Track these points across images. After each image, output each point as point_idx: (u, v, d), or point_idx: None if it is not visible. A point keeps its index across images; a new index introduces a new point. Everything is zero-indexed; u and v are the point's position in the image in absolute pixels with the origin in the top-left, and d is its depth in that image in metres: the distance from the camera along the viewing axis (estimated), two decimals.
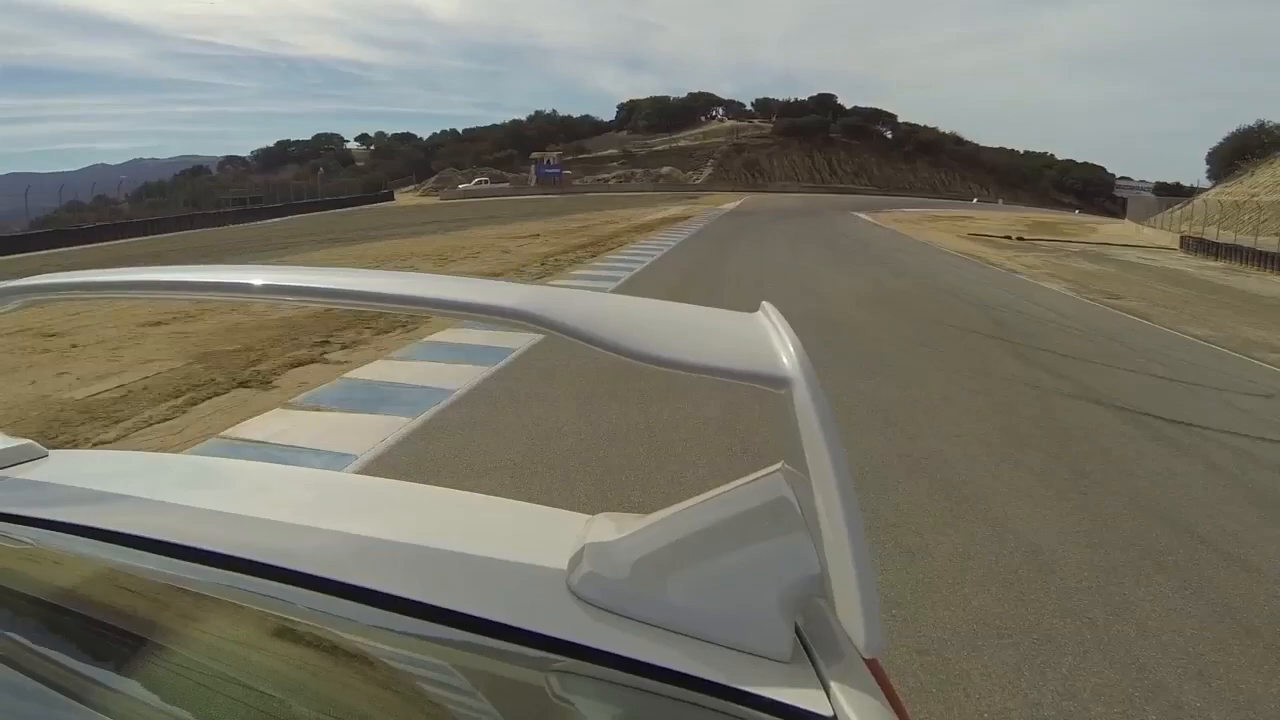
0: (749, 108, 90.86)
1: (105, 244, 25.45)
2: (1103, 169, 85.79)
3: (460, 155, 78.75)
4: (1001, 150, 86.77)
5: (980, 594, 2.97)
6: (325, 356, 6.77)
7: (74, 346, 7.25)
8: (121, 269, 0.72)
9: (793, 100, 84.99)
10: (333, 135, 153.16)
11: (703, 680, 0.53)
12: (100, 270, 0.72)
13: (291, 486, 0.93)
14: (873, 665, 0.60)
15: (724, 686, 0.52)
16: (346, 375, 6.16)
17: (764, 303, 0.64)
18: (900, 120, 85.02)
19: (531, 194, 54.01)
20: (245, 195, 45.19)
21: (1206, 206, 26.68)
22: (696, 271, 13.58)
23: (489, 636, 0.58)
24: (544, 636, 0.57)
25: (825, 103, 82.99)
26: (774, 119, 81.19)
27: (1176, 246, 25.03)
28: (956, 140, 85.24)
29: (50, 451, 0.93)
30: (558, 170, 63.24)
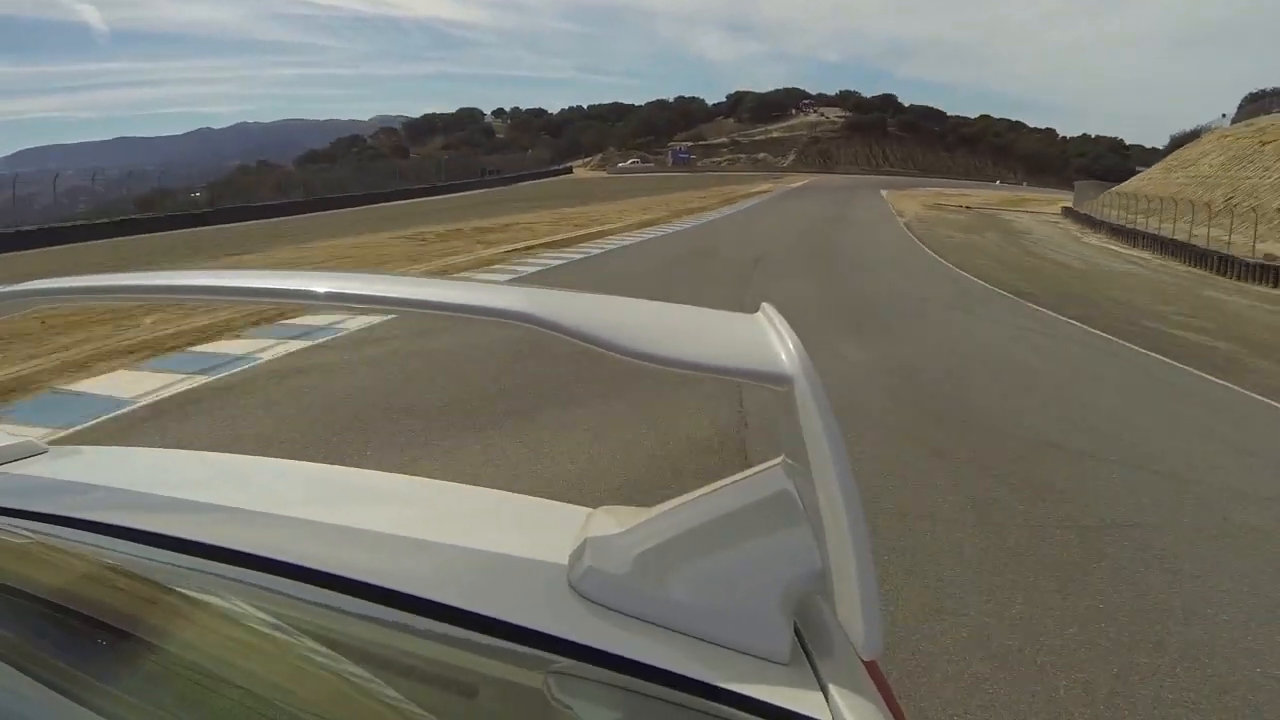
0: (833, 95, 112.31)
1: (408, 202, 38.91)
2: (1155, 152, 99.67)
3: (601, 135, 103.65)
4: (1038, 139, 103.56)
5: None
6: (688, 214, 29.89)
7: (619, 214, 30.69)
8: (124, 274, 0.73)
9: (869, 97, 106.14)
10: (474, 110, 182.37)
11: (701, 682, 0.53)
12: (106, 275, 0.73)
13: (291, 480, 0.95)
14: (871, 668, 0.61)
15: (722, 689, 0.53)
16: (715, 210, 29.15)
17: (763, 303, 0.65)
18: (995, 102, 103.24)
19: (668, 173, 77.03)
20: (483, 167, 68.74)
21: (1113, 194, 40.28)
22: (769, 208, 34.95)
23: (489, 633, 0.58)
24: (545, 635, 0.57)
25: (888, 101, 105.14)
26: (848, 114, 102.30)
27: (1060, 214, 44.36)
28: (995, 134, 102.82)
29: (49, 447, 0.95)
30: (688, 155, 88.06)
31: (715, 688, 0.53)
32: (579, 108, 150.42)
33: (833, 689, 0.54)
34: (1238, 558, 3.90)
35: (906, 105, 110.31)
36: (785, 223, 27.81)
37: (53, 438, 4.76)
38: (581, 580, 0.62)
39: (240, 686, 0.55)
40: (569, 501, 0.85)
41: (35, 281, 0.78)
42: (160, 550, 0.68)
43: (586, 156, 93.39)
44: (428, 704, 0.54)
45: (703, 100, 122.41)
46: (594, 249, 18.02)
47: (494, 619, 0.58)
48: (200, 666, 0.57)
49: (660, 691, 0.53)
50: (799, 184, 62.29)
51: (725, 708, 0.52)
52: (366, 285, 0.62)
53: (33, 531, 0.73)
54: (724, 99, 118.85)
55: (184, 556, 0.67)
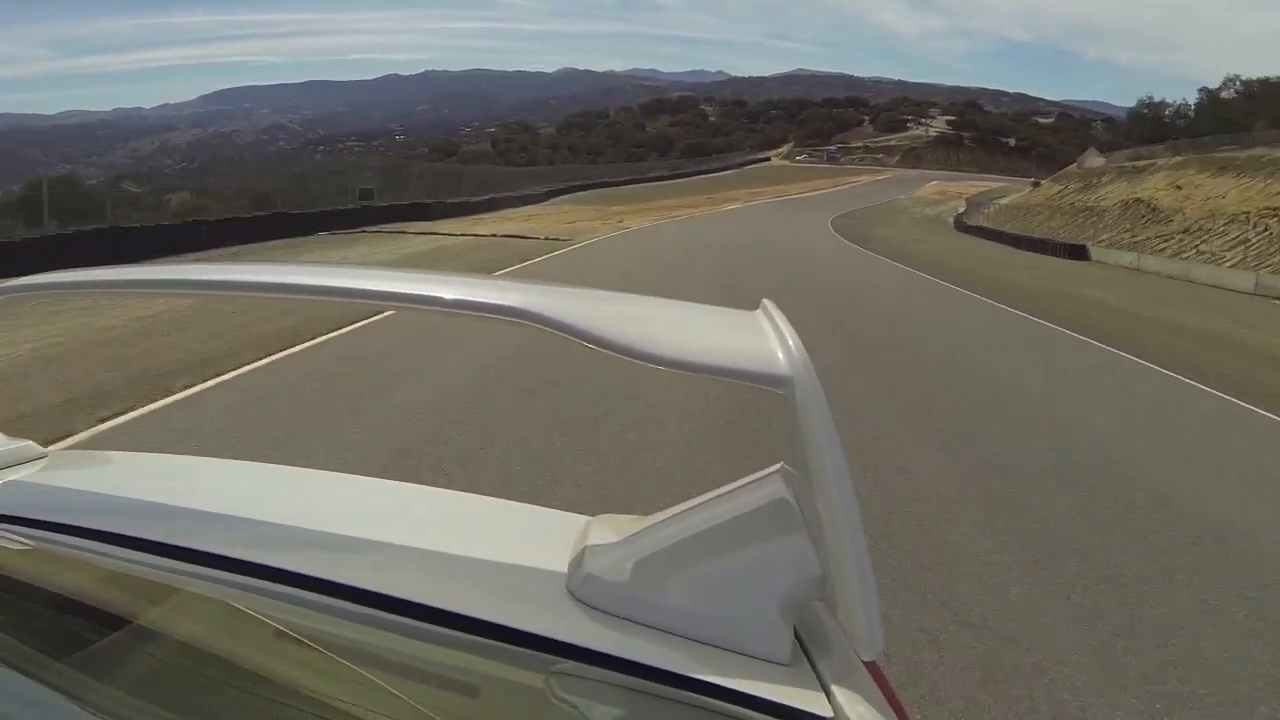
0: (951, 104, 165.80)
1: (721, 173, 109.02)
2: None
3: (785, 129, 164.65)
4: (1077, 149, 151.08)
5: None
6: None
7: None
8: (114, 268, 0.76)
9: (969, 116, 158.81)
10: (691, 98, 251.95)
11: (703, 682, 0.53)
12: (99, 269, 0.77)
13: (292, 487, 0.95)
14: (872, 668, 0.62)
15: (724, 689, 0.53)
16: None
17: (764, 300, 0.67)
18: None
19: (823, 165, 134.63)
20: (727, 156, 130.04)
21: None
22: (847, 191, 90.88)
23: (489, 639, 0.58)
24: (544, 639, 0.57)
25: (969, 122, 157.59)
26: (947, 126, 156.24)
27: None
28: (1045, 145, 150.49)
29: (49, 451, 0.94)
30: (836, 155, 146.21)
31: (717, 686, 0.53)
32: (764, 103, 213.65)
33: (834, 688, 0.54)
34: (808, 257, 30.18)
35: (982, 126, 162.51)
36: (844, 196, 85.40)
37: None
38: (581, 587, 0.62)
39: (241, 693, 0.55)
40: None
41: (34, 276, 0.79)
42: (160, 557, 0.68)
43: (775, 147, 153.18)
44: (429, 708, 0.55)
45: (855, 111, 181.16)
46: (783, 199, 77.17)
47: (494, 625, 0.59)
48: (201, 672, 0.57)
49: (662, 691, 0.54)
50: (883, 176, 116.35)
51: (728, 705, 0.52)
52: (369, 282, 0.63)
53: (32, 537, 0.72)
54: (887, 83, 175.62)
55: (184, 564, 0.67)
